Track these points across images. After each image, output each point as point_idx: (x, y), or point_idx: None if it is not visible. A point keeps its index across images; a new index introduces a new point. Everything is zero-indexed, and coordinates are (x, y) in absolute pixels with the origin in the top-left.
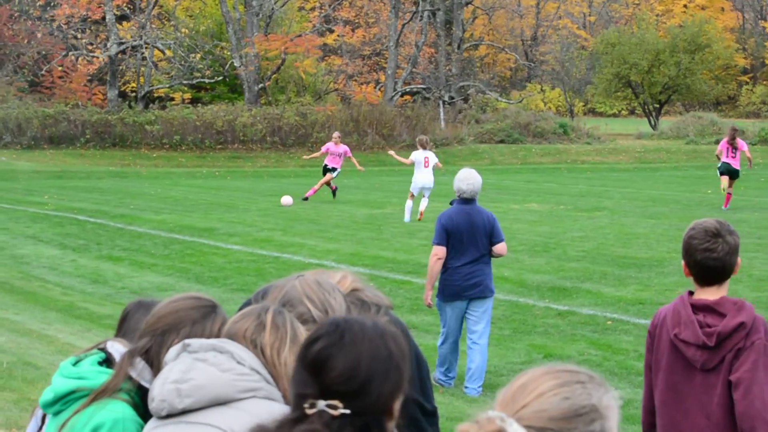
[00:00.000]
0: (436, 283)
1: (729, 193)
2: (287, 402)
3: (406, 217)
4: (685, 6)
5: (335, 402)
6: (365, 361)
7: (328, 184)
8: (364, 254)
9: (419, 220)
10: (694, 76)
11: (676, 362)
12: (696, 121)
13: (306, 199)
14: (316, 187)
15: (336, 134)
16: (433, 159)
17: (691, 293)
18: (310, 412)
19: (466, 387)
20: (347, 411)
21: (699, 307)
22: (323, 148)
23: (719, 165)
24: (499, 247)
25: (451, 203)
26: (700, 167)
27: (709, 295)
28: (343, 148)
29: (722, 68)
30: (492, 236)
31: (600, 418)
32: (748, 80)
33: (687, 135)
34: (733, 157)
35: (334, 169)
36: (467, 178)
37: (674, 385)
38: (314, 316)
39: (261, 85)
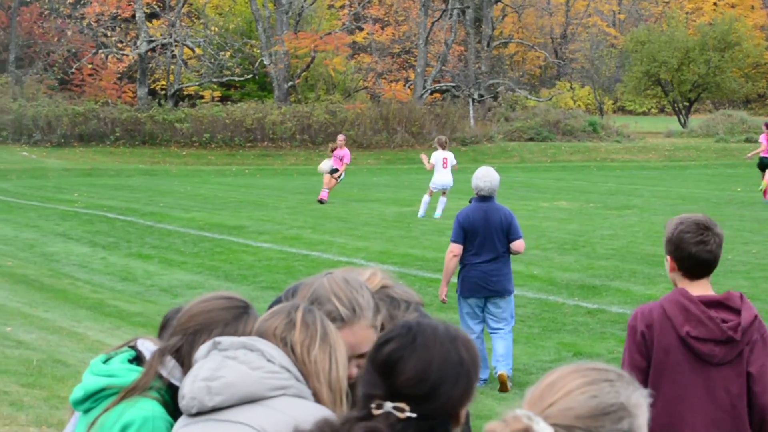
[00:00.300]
0: (454, 280)
1: None
2: (317, 400)
3: (420, 212)
4: (714, 4)
5: (402, 405)
6: (436, 366)
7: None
8: (393, 252)
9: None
10: (723, 74)
11: (684, 359)
12: (726, 119)
13: (322, 201)
14: (327, 189)
15: (340, 137)
16: (451, 160)
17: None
18: (376, 412)
19: (495, 369)
20: (413, 414)
21: (709, 303)
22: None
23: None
24: (517, 245)
25: (470, 201)
26: (730, 165)
27: (703, 289)
28: (343, 152)
29: (752, 66)
30: (509, 234)
31: (628, 416)
32: None
33: (717, 133)
34: None
35: (337, 171)
36: (485, 176)
37: (681, 382)
38: (342, 314)
39: (290, 83)
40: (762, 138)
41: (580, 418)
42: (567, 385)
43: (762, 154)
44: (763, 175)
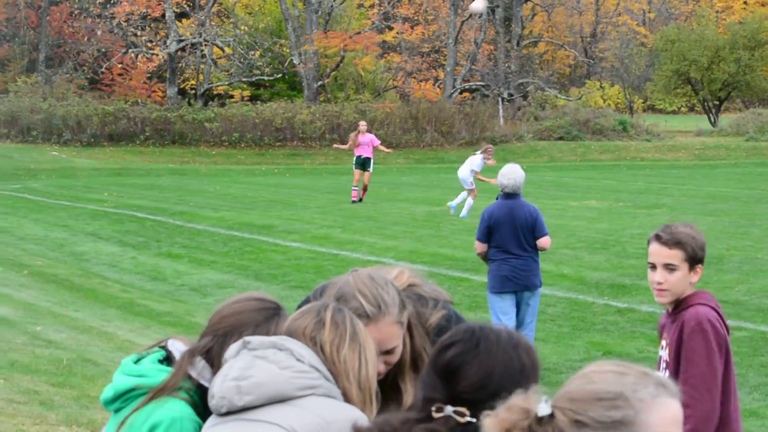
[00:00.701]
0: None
1: None
2: (346, 400)
3: (463, 212)
4: (745, 2)
5: (462, 409)
6: (498, 372)
7: (365, 186)
8: (422, 251)
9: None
10: (754, 73)
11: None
12: (756, 117)
13: (360, 200)
14: (358, 188)
15: (362, 124)
16: (471, 162)
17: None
18: (436, 416)
19: None
20: (473, 419)
21: None
22: (357, 141)
23: None
24: (543, 241)
25: (497, 198)
26: (760, 164)
27: None
28: (369, 137)
29: None
30: (535, 230)
31: (627, 407)
32: None
33: (747, 132)
34: None
35: (368, 161)
36: (509, 174)
37: (732, 372)
38: (367, 311)
39: (320, 83)
40: None
41: (572, 401)
42: (580, 372)
43: None
44: None
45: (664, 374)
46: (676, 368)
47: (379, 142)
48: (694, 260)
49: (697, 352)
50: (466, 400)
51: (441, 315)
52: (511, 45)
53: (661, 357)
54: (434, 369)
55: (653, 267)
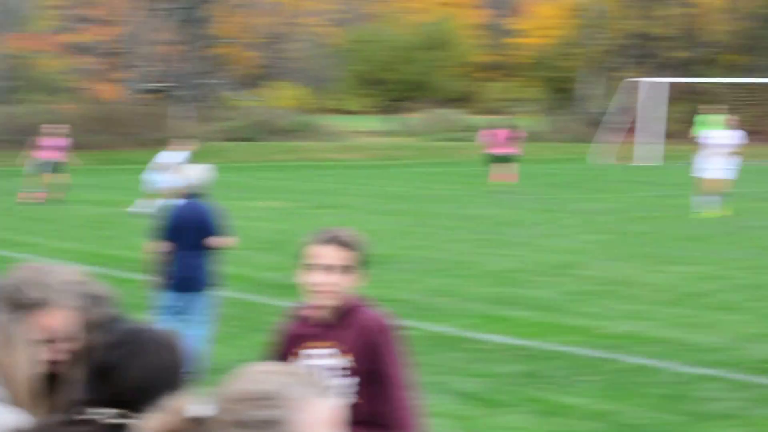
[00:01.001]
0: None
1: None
2: (9, 401)
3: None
4: (431, 4)
5: (120, 411)
6: (157, 374)
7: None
8: (100, 253)
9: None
10: (438, 73)
11: None
12: (439, 117)
13: (39, 201)
14: (47, 190)
15: (49, 126)
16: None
17: None
18: (95, 417)
19: None
20: (132, 420)
21: None
22: (41, 143)
23: None
24: (221, 241)
25: (180, 198)
26: (439, 164)
27: None
28: (56, 140)
29: (465, 65)
30: (214, 230)
31: (280, 406)
32: (492, 77)
33: (430, 132)
34: None
35: (57, 164)
36: (190, 174)
37: None
38: (31, 299)
39: (3, 84)
40: None
41: (227, 401)
42: (238, 372)
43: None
44: None
45: (347, 381)
46: (365, 373)
47: (68, 144)
48: (363, 263)
49: (397, 354)
50: (125, 401)
51: (104, 315)
52: (198, 46)
53: (320, 365)
54: (94, 369)
55: (321, 269)
